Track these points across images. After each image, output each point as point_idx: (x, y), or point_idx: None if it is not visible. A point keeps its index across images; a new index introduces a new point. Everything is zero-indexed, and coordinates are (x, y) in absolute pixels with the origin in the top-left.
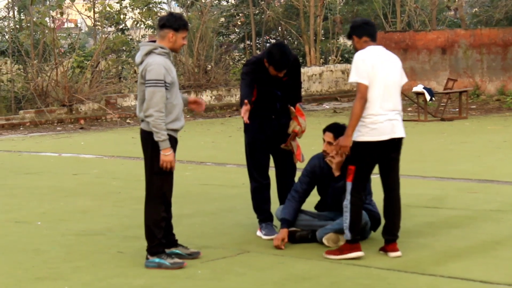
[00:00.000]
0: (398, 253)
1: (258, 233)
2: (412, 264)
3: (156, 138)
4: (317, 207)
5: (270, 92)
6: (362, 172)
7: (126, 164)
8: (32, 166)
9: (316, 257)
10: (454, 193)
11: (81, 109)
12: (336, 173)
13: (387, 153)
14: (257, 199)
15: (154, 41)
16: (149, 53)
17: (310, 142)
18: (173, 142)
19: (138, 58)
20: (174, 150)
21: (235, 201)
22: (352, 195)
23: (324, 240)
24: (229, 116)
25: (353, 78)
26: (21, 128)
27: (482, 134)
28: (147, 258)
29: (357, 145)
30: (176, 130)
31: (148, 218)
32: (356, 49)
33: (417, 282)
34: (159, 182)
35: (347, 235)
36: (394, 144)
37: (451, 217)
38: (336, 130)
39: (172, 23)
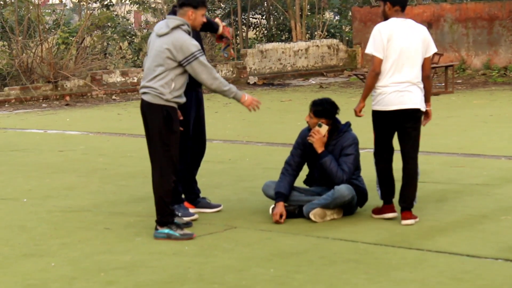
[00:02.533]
0: (408, 221)
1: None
2: (399, 238)
3: (231, 95)
4: (306, 181)
5: None
6: (378, 137)
7: (112, 140)
8: (17, 143)
9: (303, 232)
10: (440, 167)
11: (66, 85)
12: (319, 150)
13: (400, 123)
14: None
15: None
16: (176, 27)
17: (296, 117)
18: (175, 112)
19: (163, 29)
20: (176, 121)
21: (221, 177)
22: (375, 157)
23: (311, 215)
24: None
25: (369, 49)
26: (6, 105)
27: (468, 109)
28: (156, 229)
29: (372, 113)
30: (178, 103)
31: (159, 189)
32: (384, 16)
33: (404, 257)
34: (169, 153)
35: (379, 195)
36: (408, 115)
37: (437, 191)
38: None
39: (191, 1)
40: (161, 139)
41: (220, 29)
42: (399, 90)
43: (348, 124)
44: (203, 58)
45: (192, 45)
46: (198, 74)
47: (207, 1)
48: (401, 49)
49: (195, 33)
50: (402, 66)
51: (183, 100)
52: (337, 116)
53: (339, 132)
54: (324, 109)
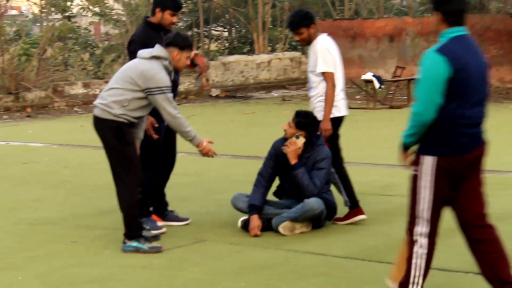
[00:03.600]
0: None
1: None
2: (369, 252)
3: (188, 138)
4: (275, 193)
5: None
6: (336, 143)
7: (76, 152)
8: None
9: (273, 246)
10: (407, 180)
11: (27, 97)
12: (292, 161)
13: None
14: None
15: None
16: (157, 58)
17: (260, 130)
18: (126, 126)
19: (145, 53)
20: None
21: (189, 190)
22: (334, 164)
23: (280, 229)
24: (178, 104)
25: (323, 68)
26: None
27: None
28: (124, 242)
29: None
30: (130, 120)
31: (125, 202)
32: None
33: (375, 270)
34: (128, 165)
35: (346, 201)
36: (342, 121)
37: (405, 204)
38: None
39: (178, 42)
40: (118, 153)
41: (192, 54)
42: (344, 98)
43: (322, 138)
44: (169, 96)
45: (163, 79)
46: (160, 107)
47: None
48: (338, 61)
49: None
50: (340, 76)
51: (136, 119)
52: None
53: (314, 146)
54: (307, 122)
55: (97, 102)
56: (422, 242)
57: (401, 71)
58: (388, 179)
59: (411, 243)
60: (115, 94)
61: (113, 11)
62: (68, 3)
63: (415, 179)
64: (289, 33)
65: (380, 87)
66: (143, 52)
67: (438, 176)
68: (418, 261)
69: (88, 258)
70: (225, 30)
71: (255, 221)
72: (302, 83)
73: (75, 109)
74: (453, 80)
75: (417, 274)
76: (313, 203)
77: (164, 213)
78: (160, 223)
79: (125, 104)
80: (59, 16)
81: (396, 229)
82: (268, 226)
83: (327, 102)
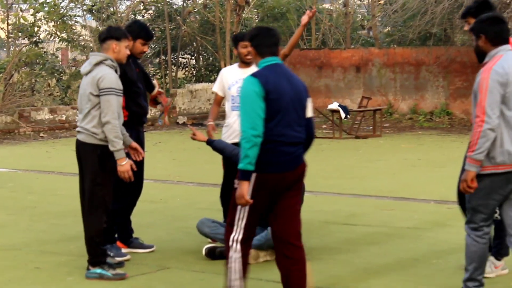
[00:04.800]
0: None
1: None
2: (333, 280)
3: (111, 148)
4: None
5: None
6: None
7: (41, 178)
8: None
9: None
10: (371, 210)
11: None
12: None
13: None
14: None
15: None
16: (99, 63)
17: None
18: (109, 151)
19: (86, 67)
20: (112, 160)
21: (154, 217)
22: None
23: None
24: (144, 131)
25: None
26: None
27: (396, 152)
28: (88, 269)
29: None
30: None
31: (90, 228)
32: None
33: None
34: (101, 193)
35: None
36: None
37: (369, 234)
38: None
39: (113, 33)
40: (95, 179)
41: (155, 91)
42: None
43: None
44: (114, 98)
45: (112, 80)
46: (102, 109)
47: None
48: None
49: (135, 62)
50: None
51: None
52: None
53: None
54: None
55: (79, 129)
56: (236, 247)
57: (367, 101)
58: (353, 209)
59: (227, 249)
60: (90, 118)
61: (81, 37)
62: (36, 29)
63: (235, 191)
64: None
65: (346, 117)
66: (84, 68)
67: (256, 191)
68: (233, 265)
69: (51, 284)
70: (193, 58)
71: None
72: None
73: (41, 134)
74: (268, 100)
75: (233, 277)
76: None
77: (129, 240)
78: (124, 250)
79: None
80: (26, 41)
81: (360, 258)
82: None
83: None
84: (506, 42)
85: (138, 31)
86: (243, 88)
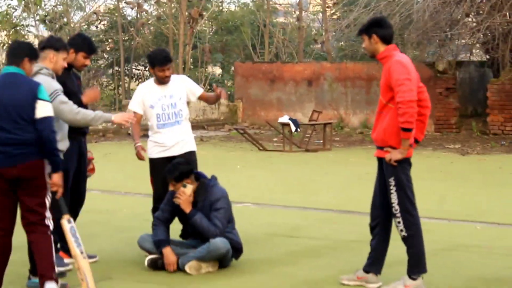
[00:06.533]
0: None
1: None
2: None
3: (99, 122)
4: (181, 235)
5: None
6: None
7: None
8: None
9: (178, 285)
10: (315, 223)
11: None
12: (187, 210)
13: None
14: None
15: None
16: (35, 74)
17: None
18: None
19: None
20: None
21: (98, 228)
22: None
23: (186, 268)
24: (95, 142)
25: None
26: None
27: (345, 166)
28: (29, 278)
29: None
30: (62, 151)
31: None
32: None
33: None
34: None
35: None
36: None
37: (312, 246)
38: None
39: (53, 43)
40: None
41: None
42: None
43: (214, 178)
44: (62, 97)
45: (52, 83)
46: (60, 112)
47: (68, 47)
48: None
49: (75, 75)
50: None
51: (64, 146)
52: (201, 171)
53: (206, 187)
54: (180, 172)
55: None
56: None
57: (318, 115)
58: (297, 222)
59: None
60: None
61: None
62: None
63: None
64: (209, 74)
65: (296, 130)
66: None
67: None
68: None
69: None
70: (146, 69)
71: (171, 256)
72: (220, 124)
73: None
74: None
75: None
76: (219, 243)
77: None
78: (67, 260)
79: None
80: None
81: (302, 270)
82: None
83: None
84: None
85: (81, 44)
86: None
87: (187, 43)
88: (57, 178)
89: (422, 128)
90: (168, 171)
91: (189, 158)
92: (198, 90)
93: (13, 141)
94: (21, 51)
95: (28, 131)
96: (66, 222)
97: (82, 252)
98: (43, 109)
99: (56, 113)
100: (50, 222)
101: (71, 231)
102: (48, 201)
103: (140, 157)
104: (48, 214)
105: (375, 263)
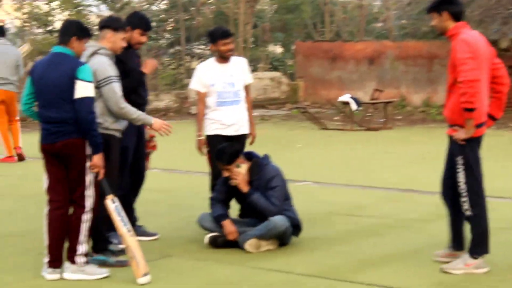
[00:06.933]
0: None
1: None
2: (331, 270)
3: (138, 122)
4: (240, 215)
5: None
6: None
7: None
8: None
9: (238, 262)
10: (376, 202)
11: None
12: (244, 190)
13: None
14: None
15: None
16: (93, 54)
17: None
18: (118, 142)
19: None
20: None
21: (159, 206)
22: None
23: (246, 246)
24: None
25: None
26: None
27: (406, 145)
28: (90, 255)
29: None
30: (120, 130)
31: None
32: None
33: None
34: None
35: None
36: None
37: (373, 225)
38: (222, 157)
39: (111, 23)
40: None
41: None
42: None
43: (266, 157)
44: (115, 85)
45: (108, 68)
46: (107, 99)
47: (126, 26)
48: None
49: (135, 54)
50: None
51: (122, 125)
52: (254, 151)
53: (260, 166)
54: (230, 155)
55: None
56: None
57: (379, 93)
58: (357, 200)
59: None
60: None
61: (95, 27)
62: (50, 18)
63: None
64: (270, 53)
65: (357, 109)
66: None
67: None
68: None
69: None
70: (207, 48)
71: (231, 226)
72: (281, 103)
73: None
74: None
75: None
76: (278, 221)
77: (133, 228)
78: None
79: (104, 113)
80: (41, 30)
81: (360, 249)
82: (234, 243)
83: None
84: None
85: (137, 21)
86: None
87: (247, 22)
88: (97, 159)
89: (500, 105)
90: (218, 158)
91: (241, 141)
92: (248, 79)
93: (53, 119)
94: (69, 31)
95: (67, 110)
96: (111, 202)
97: (129, 231)
98: (81, 90)
99: (104, 98)
100: (88, 203)
101: (116, 210)
102: (88, 181)
103: (200, 151)
104: (88, 193)
105: (455, 239)
